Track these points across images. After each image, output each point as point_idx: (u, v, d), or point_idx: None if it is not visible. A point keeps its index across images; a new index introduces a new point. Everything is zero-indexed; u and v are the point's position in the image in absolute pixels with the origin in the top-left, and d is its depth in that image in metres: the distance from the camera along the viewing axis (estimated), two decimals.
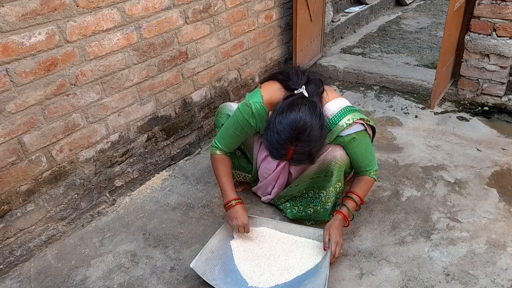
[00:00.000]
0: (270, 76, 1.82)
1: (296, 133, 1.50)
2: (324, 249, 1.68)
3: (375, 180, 1.86)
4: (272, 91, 1.71)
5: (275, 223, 1.90)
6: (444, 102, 2.96)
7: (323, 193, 1.84)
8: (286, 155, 1.55)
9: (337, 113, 1.69)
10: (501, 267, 1.70)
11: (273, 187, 2.01)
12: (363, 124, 1.74)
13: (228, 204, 1.80)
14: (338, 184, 1.82)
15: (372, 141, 1.87)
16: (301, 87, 1.64)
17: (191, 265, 1.67)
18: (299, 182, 1.88)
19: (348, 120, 1.69)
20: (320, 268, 1.66)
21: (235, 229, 1.83)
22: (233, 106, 2.02)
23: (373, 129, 1.84)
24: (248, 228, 1.81)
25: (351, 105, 1.75)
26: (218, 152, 1.88)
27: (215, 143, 1.88)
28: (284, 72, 1.76)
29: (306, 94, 1.61)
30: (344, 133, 1.70)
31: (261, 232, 1.88)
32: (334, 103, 1.71)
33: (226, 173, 1.86)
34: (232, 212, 1.79)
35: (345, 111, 1.70)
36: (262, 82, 1.83)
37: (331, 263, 1.66)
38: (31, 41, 1.61)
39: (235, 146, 1.91)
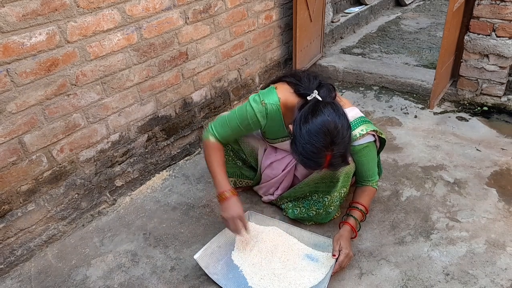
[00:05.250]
0: (279, 78, 1.78)
1: (330, 138, 1.45)
2: (333, 256, 1.65)
3: (376, 190, 1.88)
4: (288, 94, 1.68)
5: (287, 226, 1.88)
6: (444, 102, 2.97)
7: (327, 198, 1.83)
8: (323, 163, 1.49)
9: (351, 122, 1.65)
10: (501, 266, 1.70)
11: (276, 189, 2.01)
12: (374, 136, 1.74)
13: (222, 196, 1.69)
14: (343, 190, 1.81)
15: (380, 152, 1.88)
16: (313, 92, 1.59)
17: (195, 257, 1.67)
18: (303, 185, 1.87)
19: (362, 130, 1.68)
20: (323, 279, 1.64)
21: (229, 225, 1.68)
22: None
23: (382, 141, 1.83)
24: (245, 221, 1.67)
25: (363, 115, 1.75)
26: (212, 138, 1.76)
27: (212, 128, 1.77)
28: (295, 75, 1.72)
29: (319, 98, 1.57)
30: (356, 143, 1.69)
31: (272, 231, 1.86)
32: (349, 112, 1.68)
33: (219, 162, 1.74)
34: (225, 205, 1.68)
35: (359, 121, 1.70)
36: (272, 82, 1.77)
37: (335, 273, 1.65)
38: (32, 41, 1.62)
39: (232, 140, 1.84)
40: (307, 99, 1.58)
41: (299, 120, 1.51)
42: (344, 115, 1.52)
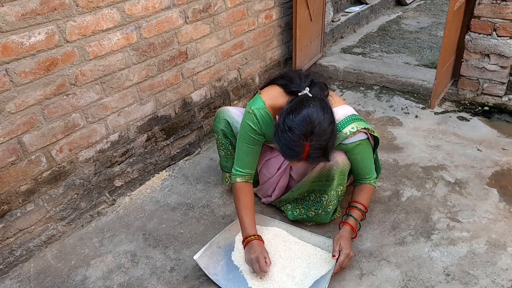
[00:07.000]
0: (270, 81, 1.79)
1: (310, 127, 1.46)
2: (333, 256, 1.64)
3: (375, 188, 1.87)
4: (274, 96, 1.69)
5: (287, 226, 1.88)
6: (444, 102, 2.96)
7: (325, 197, 1.82)
8: (301, 153, 1.49)
9: (342, 120, 1.67)
10: (501, 267, 1.70)
11: (274, 190, 2.00)
12: (366, 133, 1.74)
13: (246, 239, 1.70)
14: (340, 188, 1.81)
15: (375, 150, 1.87)
16: (304, 89, 1.62)
17: (194, 257, 1.67)
18: (300, 185, 1.86)
19: (352, 128, 1.67)
20: (323, 279, 1.64)
21: (250, 266, 1.66)
22: (231, 110, 2.00)
23: (376, 139, 1.83)
24: (264, 261, 1.63)
25: (356, 113, 1.74)
26: (238, 179, 1.80)
27: (234, 169, 1.82)
28: (285, 76, 1.73)
29: (310, 95, 1.59)
30: (347, 141, 1.68)
31: (272, 231, 1.86)
32: (340, 110, 1.69)
33: (246, 205, 1.76)
34: (248, 247, 1.68)
35: (350, 119, 1.69)
36: (261, 87, 1.80)
37: (335, 273, 1.64)
38: (31, 41, 1.61)
39: (254, 164, 1.84)
40: (298, 95, 1.60)
41: (285, 111, 1.54)
42: (330, 111, 1.54)
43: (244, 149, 1.79)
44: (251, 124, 1.71)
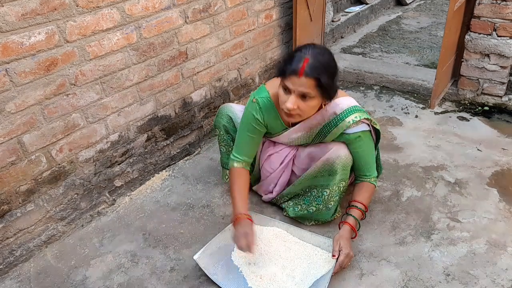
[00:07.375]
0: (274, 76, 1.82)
1: (311, 46, 1.57)
2: (333, 256, 1.64)
3: (376, 187, 1.87)
4: (278, 85, 1.69)
5: (287, 226, 1.88)
6: (444, 102, 2.96)
7: (326, 191, 1.82)
8: (301, 62, 1.52)
9: (345, 110, 1.70)
10: (502, 267, 1.70)
11: (275, 185, 2.00)
12: (368, 125, 1.75)
13: (235, 218, 1.69)
14: (342, 183, 1.81)
15: (377, 145, 1.87)
16: None
17: (194, 257, 1.67)
18: (302, 180, 1.87)
19: (356, 117, 1.70)
20: (323, 279, 1.64)
21: (236, 244, 1.65)
22: (234, 107, 2.01)
23: (377, 134, 1.84)
24: (252, 241, 1.63)
25: (358, 105, 1.76)
26: (235, 164, 1.84)
27: (232, 155, 1.85)
28: None
29: None
30: (350, 131, 1.71)
31: (272, 231, 1.86)
32: (344, 100, 1.72)
33: (240, 186, 1.79)
34: (236, 225, 1.67)
35: (353, 110, 1.72)
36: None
37: (335, 273, 1.64)
38: (31, 41, 1.61)
39: (252, 152, 1.87)
40: None
41: None
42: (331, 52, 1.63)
43: (244, 137, 1.82)
44: (254, 113, 1.75)
